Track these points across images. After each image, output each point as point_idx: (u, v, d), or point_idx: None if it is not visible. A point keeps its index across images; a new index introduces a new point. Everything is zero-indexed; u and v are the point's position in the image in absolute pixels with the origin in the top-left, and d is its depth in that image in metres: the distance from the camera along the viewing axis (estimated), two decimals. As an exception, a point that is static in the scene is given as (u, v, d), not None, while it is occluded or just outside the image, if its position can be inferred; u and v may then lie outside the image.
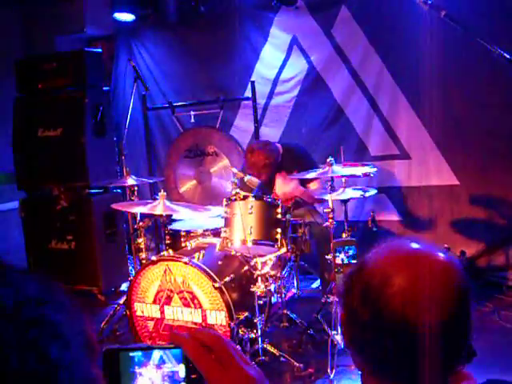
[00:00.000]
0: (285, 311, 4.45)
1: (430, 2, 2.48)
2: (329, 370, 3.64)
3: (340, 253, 1.69)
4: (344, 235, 3.98)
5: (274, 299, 4.24)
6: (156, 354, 0.92)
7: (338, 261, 1.69)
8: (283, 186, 4.53)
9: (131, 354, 0.92)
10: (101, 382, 0.59)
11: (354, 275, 1.16)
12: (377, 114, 5.47)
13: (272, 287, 3.95)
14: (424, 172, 5.35)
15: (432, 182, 5.32)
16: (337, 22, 5.51)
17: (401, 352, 1.07)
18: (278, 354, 3.82)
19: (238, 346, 3.66)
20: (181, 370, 0.91)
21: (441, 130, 5.21)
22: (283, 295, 4.39)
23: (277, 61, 5.84)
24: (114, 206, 4.24)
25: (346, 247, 1.69)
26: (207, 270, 3.65)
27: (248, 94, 5.76)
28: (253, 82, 5.63)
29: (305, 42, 5.69)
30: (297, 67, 5.76)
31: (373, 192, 4.14)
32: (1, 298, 0.53)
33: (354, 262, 1.69)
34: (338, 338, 3.81)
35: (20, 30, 6.48)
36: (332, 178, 3.81)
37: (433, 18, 4.42)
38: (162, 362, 0.91)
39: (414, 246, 1.16)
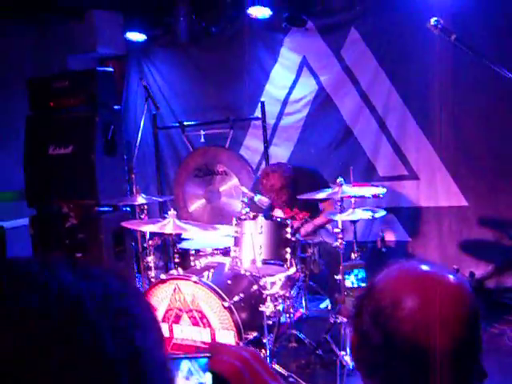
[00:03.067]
0: (293, 331, 4.44)
1: (440, 27, 2.51)
2: (337, 391, 3.62)
3: (349, 275, 1.70)
4: (353, 255, 4.00)
5: (282, 319, 4.23)
6: (184, 366, 0.93)
7: (348, 284, 1.69)
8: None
9: None
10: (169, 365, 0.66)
11: (365, 297, 1.17)
12: (385, 134, 5.50)
13: (281, 307, 3.95)
14: (433, 193, 5.36)
15: (441, 202, 5.33)
16: (346, 43, 5.57)
17: (412, 375, 1.08)
18: (286, 374, 3.81)
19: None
20: (208, 380, 0.93)
21: (449, 150, 5.23)
22: (292, 315, 4.38)
23: (287, 81, 5.90)
24: (125, 224, 4.26)
25: (356, 270, 1.70)
26: (217, 289, 3.66)
27: (258, 113, 5.80)
28: (263, 103, 5.67)
29: (314, 62, 5.75)
30: (306, 88, 5.81)
31: (382, 213, 4.15)
32: (93, 291, 0.59)
33: (363, 284, 1.70)
34: (347, 358, 3.80)
35: (32, 49, 6.56)
36: (342, 198, 3.83)
37: (442, 41, 4.46)
38: (190, 373, 0.93)
39: (424, 268, 1.16)
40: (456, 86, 5.05)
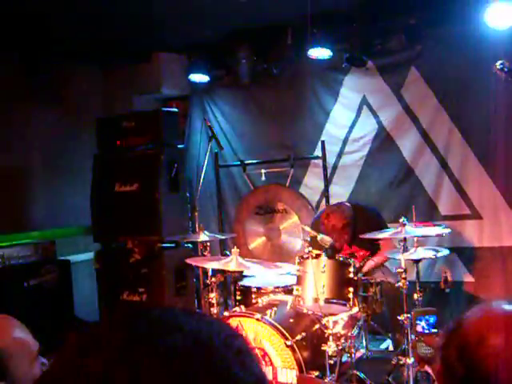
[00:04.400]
0: (355, 371, 4.40)
1: (506, 70, 2.53)
2: (401, 435, 3.56)
3: (421, 321, 1.72)
4: (416, 296, 3.97)
5: (343, 358, 4.20)
6: None
7: (419, 329, 1.72)
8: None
9: None
10: None
11: (453, 331, 1.23)
12: (447, 173, 5.47)
13: (343, 346, 3.93)
14: (496, 232, 5.28)
15: (505, 242, 5.24)
16: (406, 82, 5.61)
17: None
18: (349, 415, 3.78)
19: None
20: None
21: (513, 189, 5.16)
22: (353, 355, 4.35)
23: (347, 120, 5.96)
24: (189, 260, 4.34)
25: (427, 316, 1.72)
26: (279, 327, 3.68)
27: (318, 152, 5.86)
28: (323, 142, 5.74)
29: (374, 101, 5.80)
30: (366, 127, 5.85)
31: (445, 252, 4.12)
32: (217, 332, 0.70)
33: (434, 330, 1.75)
34: (411, 401, 3.75)
35: (100, 90, 6.85)
36: (405, 238, 3.83)
37: (506, 80, 4.45)
38: None
39: (509, 308, 1.21)
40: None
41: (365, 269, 4.49)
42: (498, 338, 1.13)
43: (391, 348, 4.91)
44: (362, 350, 4.89)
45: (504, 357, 1.11)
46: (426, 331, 1.74)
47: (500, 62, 2.46)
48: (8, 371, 1.69)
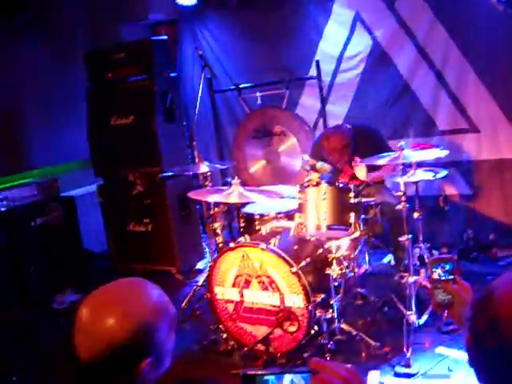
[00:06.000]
0: (359, 289, 4.55)
1: (503, 0, 2.48)
2: (405, 349, 3.71)
3: (437, 268, 1.77)
4: (416, 215, 4.05)
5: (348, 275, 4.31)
6: (287, 378, 1.05)
7: (435, 276, 1.77)
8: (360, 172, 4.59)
9: (266, 378, 1.05)
10: None
11: (482, 302, 1.21)
12: (444, 87, 5.41)
13: (346, 268, 4.05)
14: (494, 145, 5.29)
15: (503, 154, 5.26)
16: (400, -5, 5.45)
17: None
18: (354, 333, 3.94)
19: (315, 327, 3.82)
20: None
21: (511, 101, 5.12)
22: (356, 273, 4.49)
23: (340, 38, 5.83)
24: (190, 194, 4.39)
25: (443, 263, 1.77)
26: (284, 255, 3.77)
27: (313, 72, 5.78)
28: (317, 61, 5.65)
29: (368, 17, 5.65)
30: (361, 43, 5.73)
31: (444, 173, 4.14)
32: None
33: (451, 277, 1.77)
34: (413, 317, 3.91)
35: (86, 21, 6.67)
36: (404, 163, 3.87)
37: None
38: None
39: None
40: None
41: (365, 177, 4.50)
42: None
43: (393, 262, 5.04)
44: (365, 266, 5.02)
45: None
46: (443, 278, 1.78)
47: (496, -11, 2.40)
48: (153, 344, 1.49)
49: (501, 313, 1.14)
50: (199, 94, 5.27)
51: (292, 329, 3.82)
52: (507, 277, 1.22)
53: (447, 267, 1.76)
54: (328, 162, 4.43)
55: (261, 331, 3.93)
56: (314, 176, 3.97)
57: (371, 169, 4.73)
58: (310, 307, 3.72)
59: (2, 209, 5.18)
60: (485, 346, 1.17)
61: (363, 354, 3.85)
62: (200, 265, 6.13)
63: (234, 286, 4.01)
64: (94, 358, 1.42)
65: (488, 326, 1.16)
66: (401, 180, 3.92)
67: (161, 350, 1.51)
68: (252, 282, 3.92)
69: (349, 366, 1.09)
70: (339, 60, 5.88)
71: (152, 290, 1.56)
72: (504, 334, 1.13)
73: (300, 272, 3.74)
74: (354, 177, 4.73)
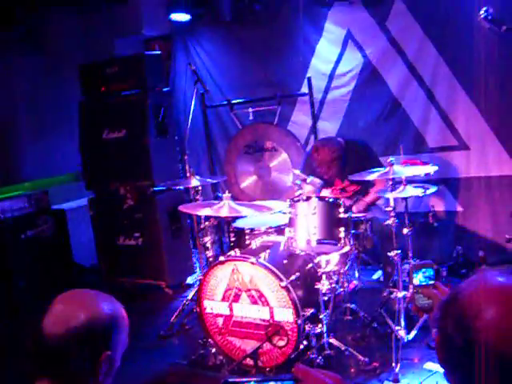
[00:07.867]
0: (348, 304, 4.56)
1: (490, 18, 2.52)
2: (393, 364, 3.72)
3: (417, 273, 1.81)
4: (405, 230, 4.08)
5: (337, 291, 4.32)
6: None
7: (416, 281, 1.81)
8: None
9: None
10: None
11: (450, 303, 1.27)
12: (434, 105, 5.48)
13: (335, 283, 4.06)
14: (483, 163, 5.34)
15: (492, 172, 5.31)
16: (391, 14, 5.53)
17: (491, 380, 1.15)
18: (343, 348, 3.94)
19: (305, 342, 3.82)
20: None
21: (499, 119, 5.18)
22: (346, 288, 4.49)
23: (332, 55, 5.90)
24: (181, 208, 4.39)
25: (424, 269, 1.81)
26: (274, 269, 3.78)
27: (305, 89, 5.84)
28: (309, 78, 5.71)
29: (359, 35, 5.72)
30: (352, 61, 5.80)
31: (433, 189, 4.19)
32: None
33: (431, 282, 1.82)
34: (402, 332, 3.92)
35: (81, 35, 6.71)
36: (393, 178, 3.90)
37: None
38: None
39: (506, 279, 1.23)
40: (504, 54, 4.93)
41: (354, 209, 4.56)
42: (494, 311, 1.16)
43: (382, 278, 5.06)
44: (355, 282, 5.04)
45: (505, 328, 1.14)
46: (423, 283, 1.83)
47: (484, 9, 2.43)
48: (114, 340, 1.64)
49: (466, 313, 1.20)
50: (191, 109, 5.31)
51: (281, 343, 3.82)
52: (471, 279, 1.27)
53: (427, 273, 1.80)
54: (317, 174, 4.47)
55: (250, 345, 3.93)
56: (306, 190, 4.00)
57: (364, 190, 4.78)
58: (299, 322, 3.73)
59: (-7, 221, 5.17)
60: (454, 345, 1.22)
61: (352, 369, 3.86)
62: (190, 280, 6.11)
63: (223, 299, 4.01)
64: (62, 336, 1.54)
65: (455, 326, 1.21)
66: (390, 195, 3.95)
67: (117, 349, 1.65)
68: (242, 295, 3.92)
69: (333, 373, 1.09)
70: (331, 77, 5.94)
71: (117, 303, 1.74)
72: (469, 334, 1.17)
73: (289, 286, 3.75)
74: (343, 190, 4.76)
